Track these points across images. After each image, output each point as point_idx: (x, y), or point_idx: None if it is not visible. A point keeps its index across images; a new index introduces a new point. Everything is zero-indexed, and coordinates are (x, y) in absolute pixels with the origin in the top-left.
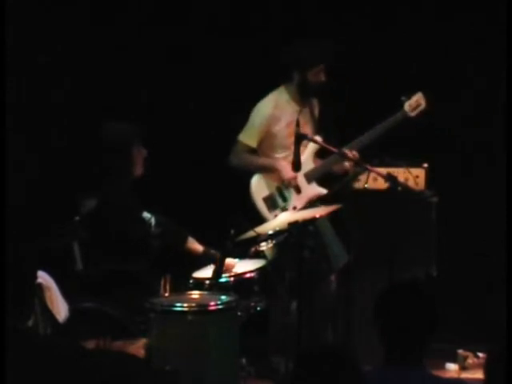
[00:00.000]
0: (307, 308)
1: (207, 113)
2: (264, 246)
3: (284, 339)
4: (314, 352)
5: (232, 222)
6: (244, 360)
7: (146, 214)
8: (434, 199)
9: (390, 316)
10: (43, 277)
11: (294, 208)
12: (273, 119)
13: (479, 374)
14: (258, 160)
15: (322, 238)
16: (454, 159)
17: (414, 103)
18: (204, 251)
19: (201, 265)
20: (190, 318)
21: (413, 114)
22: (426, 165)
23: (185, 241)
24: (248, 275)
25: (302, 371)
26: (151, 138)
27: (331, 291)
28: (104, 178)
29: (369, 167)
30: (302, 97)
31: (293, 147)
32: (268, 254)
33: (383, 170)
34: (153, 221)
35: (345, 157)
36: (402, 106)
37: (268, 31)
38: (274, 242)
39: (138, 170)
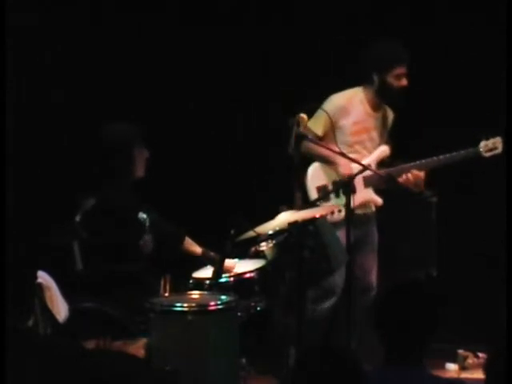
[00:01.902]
0: (348, 308)
1: (207, 113)
2: (264, 246)
3: (283, 339)
4: (315, 352)
5: (232, 222)
6: (244, 360)
7: (142, 215)
8: (434, 199)
9: (390, 316)
10: (43, 277)
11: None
12: (342, 111)
13: (479, 374)
14: (320, 149)
15: (321, 237)
16: None
17: (491, 145)
18: (203, 253)
19: (201, 265)
20: (189, 317)
21: (487, 154)
22: None
23: (181, 242)
24: (248, 275)
25: (303, 371)
26: (151, 139)
27: (369, 299)
28: (104, 178)
29: (369, 167)
30: (380, 101)
31: (356, 146)
32: (268, 253)
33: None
34: (147, 222)
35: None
36: (477, 143)
37: (269, 32)
38: (273, 241)
39: (139, 170)
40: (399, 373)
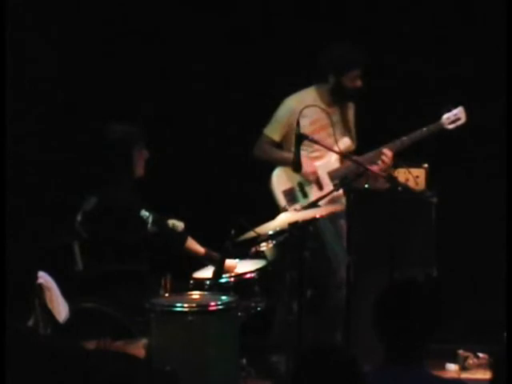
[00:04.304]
0: (316, 310)
1: (208, 114)
2: (264, 247)
3: (285, 339)
4: (315, 352)
5: (232, 223)
6: (244, 360)
7: (144, 213)
8: (434, 199)
9: (390, 316)
10: (43, 277)
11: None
12: (297, 114)
13: (479, 374)
14: (279, 153)
15: (322, 238)
16: (454, 159)
17: (453, 116)
18: (206, 253)
19: (201, 265)
20: (190, 318)
21: (450, 126)
22: (426, 165)
23: (183, 242)
24: (248, 275)
25: (303, 371)
26: (152, 139)
27: (342, 295)
28: (104, 178)
29: (369, 167)
30: (334, 99)
31: (316, 145)
32: (268, 254)
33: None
34: (150, 219)
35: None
36: (440, 117)
37: (268, 33)
38: (274, 242)
39: (139, 171)
40: (399, 373)
